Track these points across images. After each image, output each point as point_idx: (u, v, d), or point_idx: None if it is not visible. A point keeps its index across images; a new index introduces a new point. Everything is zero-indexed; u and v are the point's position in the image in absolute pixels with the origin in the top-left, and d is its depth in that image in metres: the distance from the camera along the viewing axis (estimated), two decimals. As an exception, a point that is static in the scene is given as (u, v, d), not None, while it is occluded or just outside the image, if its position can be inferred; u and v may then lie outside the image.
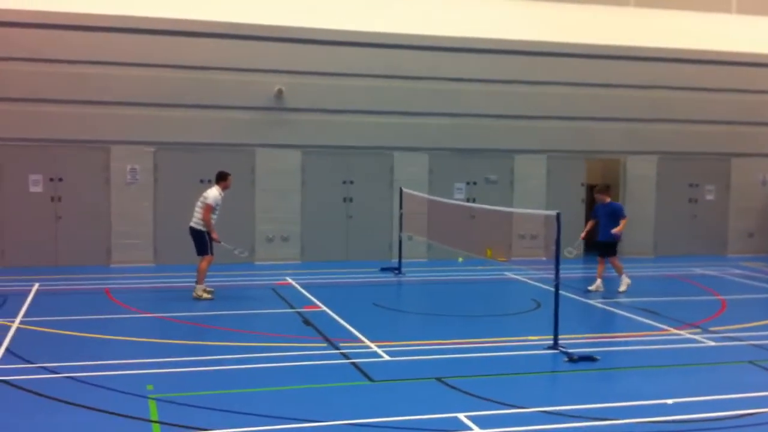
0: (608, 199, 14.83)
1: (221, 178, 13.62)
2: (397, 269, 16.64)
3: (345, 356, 9.79)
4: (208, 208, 13.22)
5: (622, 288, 14.61)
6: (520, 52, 18.83)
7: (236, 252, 14.16)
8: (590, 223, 15.05)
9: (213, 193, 13.35)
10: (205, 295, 13.32)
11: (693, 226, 20.37)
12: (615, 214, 14.57)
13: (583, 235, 15.04)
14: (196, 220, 13.38)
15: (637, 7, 19.88)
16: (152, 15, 16.71)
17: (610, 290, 14.66)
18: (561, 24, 19.20)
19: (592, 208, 15.68)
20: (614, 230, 14.43)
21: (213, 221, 13.32)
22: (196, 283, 13.38)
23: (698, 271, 17.75)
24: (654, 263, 18.88)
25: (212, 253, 13.43)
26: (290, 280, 15.30)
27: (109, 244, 16.86)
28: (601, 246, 14.81)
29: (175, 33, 16.88)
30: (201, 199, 13.42)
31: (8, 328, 10.92)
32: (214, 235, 13.35)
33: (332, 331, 11.14)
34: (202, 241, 13.34)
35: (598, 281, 14.83)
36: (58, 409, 7.64)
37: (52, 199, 16.58)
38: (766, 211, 20.88)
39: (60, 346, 10.15)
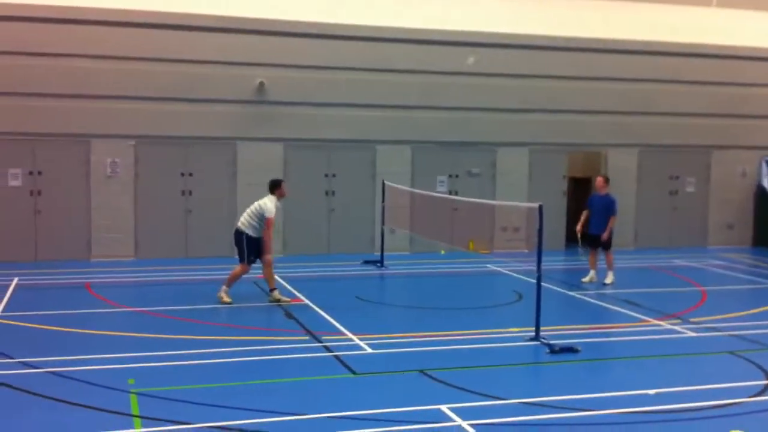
0: (606, 191, 14.78)
1: (275, 187, 12.64)
2: (380, 262, 16.62)
3: (327, 349, 9.78)
4: (270, 224, 12.29)
5: (609, 281, 14.65)
6: (503, 46, 18.81)
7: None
8: (585, 214, 14.78)
9: (269, 206, 12.34)
10: (226, 299, 12.43)
11: (673, 218, 20.49)
12: (609, 208, 14.55)
13: (579, 227, 14.74)
14: (244, 224, 12.47)
15: (619, 1, 19.91)
16: (133, 8, 16.55)
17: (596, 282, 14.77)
18: (544, 17, 19.19)
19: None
20: (604, 236, 14.43)
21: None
22: (224, 284, 12.59)
23: (678, 262, 17.87)
24: (635, 255, 18.97)
25: (249, 264, 12.48)
26: (272, 274, 15.23)
27: (90, 239, 16.72)
28: (597, 238, 14.70)
29: (155, 26, 16.74)
30: (255, 208, 12.47)
31: (-13, 323, 10.83)
32: (269, 257, 12.40)
33: (315, 324, 11.12)
34: (243, 247, 12.40)
35: (592, 272, 14.87)
36: (38, 405, 7.59)
37: (32, 193, 16.42)
38: (745, 203, 21.03)
39: (40, 340, 10.09)
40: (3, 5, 15.96)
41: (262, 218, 12.38)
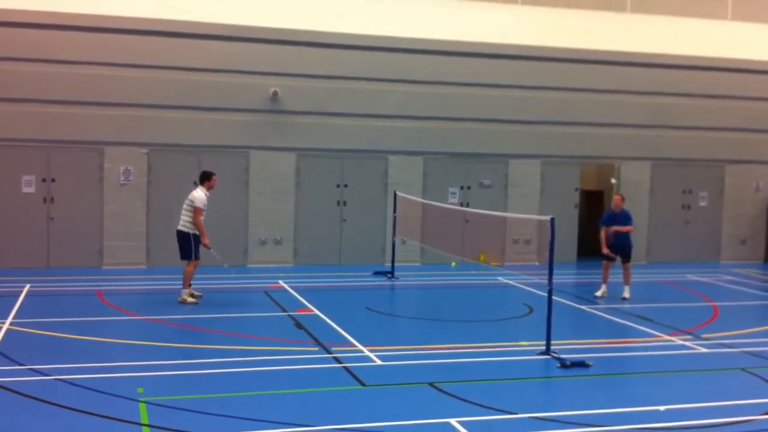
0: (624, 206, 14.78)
1: (206, 178, 13.32)
2: (390, 273, 16.60)
3: (337, 360, 9.76)
4: (198, 212, 12.96)
5: (628, 294, 14.58)
6: (517, 57, 18.81)
7: (225, 265, 13.97)
8: (604, 231, 14.63)
9: (199, 195, 13.04)
10: (190, 300, 13.12)
11: (686, 233, 20.38)
12: (628, 221, 14.56)
13: (605, 249, 14.54)
14: (183, 223, 13.12)
15: (633, 13, 19.90)
16: (147, 16, 16.67)
17: (609, 297, 14.71)
18: (558, 29, 19.19)
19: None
20: (624, 229, 14.50)
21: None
22: (182, 287, 13.24)
23: (691, 277, 17.77)
24: (647, 269, 18.86)
25: (197, 257, 13.20)
26: (283, 284, 15.26)
27: (102, 246, 16.79)
28: (619, 250, 14.65)
29: (169, 34, 16.83)
30: (187, 202, 13.12)
31: (-1, 329, 10.87)
32: (206, 241, 13.08)
33: (325, 334, 11.10)
34: (187, 245, 13.11)
35: (604, 287, 14.81)
36: (47, 412, 7.59)
37: (45, 200, 16.51)
38: (758, 218, 20.91)
39: (50, 348, 10.10)
40: (18, 12, 16.08)
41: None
